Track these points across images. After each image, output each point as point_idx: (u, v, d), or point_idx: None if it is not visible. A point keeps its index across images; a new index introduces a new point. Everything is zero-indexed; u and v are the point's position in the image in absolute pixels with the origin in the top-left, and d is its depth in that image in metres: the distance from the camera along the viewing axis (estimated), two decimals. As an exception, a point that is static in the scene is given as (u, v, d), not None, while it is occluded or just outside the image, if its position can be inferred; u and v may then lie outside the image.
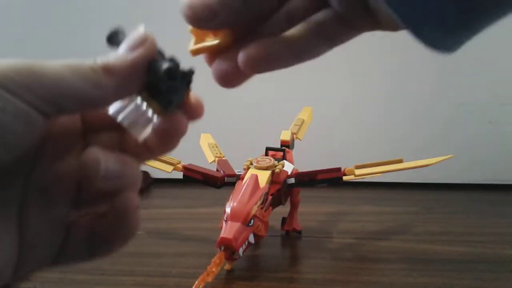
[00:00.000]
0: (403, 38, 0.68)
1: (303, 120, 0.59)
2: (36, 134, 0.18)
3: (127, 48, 0.19)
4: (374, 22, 0.20)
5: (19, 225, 0.18)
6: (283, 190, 0.48)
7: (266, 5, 0.20)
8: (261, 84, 0.78)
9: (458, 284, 0.41)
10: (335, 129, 0.75)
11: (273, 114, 0.74)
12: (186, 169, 0.49)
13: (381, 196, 0.71)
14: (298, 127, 0.57)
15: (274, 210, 0.47)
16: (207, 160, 0.54)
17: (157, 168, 0.50)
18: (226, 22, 0.20)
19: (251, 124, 0.76)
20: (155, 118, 0.19)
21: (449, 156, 0.46)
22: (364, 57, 0.72)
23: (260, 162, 0.47)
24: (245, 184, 0.44)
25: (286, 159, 0.51)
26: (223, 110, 0.77)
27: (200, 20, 0.19)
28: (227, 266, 0.44)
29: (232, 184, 0.47)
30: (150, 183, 0.79)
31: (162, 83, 0.19)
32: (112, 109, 0.19)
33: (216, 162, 0.52)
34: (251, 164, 0.48)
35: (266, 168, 0.47)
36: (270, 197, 0.45)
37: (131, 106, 0.19)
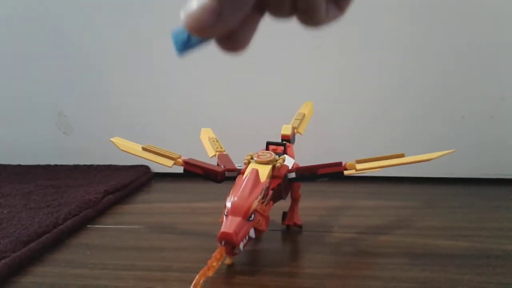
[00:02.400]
0: (406, 33, 0.67)
1: (304, 115, 0.59)
2: None
3: None
4: None
5: None
6: (283, 185, 0.48)
7: None
8: (261, 79, 0.78)
9: (459, 278, 0.41)
10: (336, 124, 0.75)
11: (274, 108, 0.74)
12: (186, 163, 0.49)
13: (382, 190, 0.71)
14: (299, 121, 0.57)
15: (274, 204, 0.47)
16: (208, 155, 0.53)
17: (158, 162, 0.50)
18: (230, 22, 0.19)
19: (252, 119, 0.76)
20: None
21: (451, 150, 0.45)
22: (367, 52, 0.72)
23: (260, 157, 0.47)
24: (246, 179, 0.44)
25: (287, 154, 0.51)
26: (224, 104, 0.77)
27: (204, 28, 0.19)
28: (228, 261, 0.44)
29: (233, 179, 0.47)
30: (151, 178, 0.79)
31: None
32: None
33: (216, 156, 0.52)
34: (252, 158, 0.48)
35: (266, 163, 0.47)
36: (270, 192, 0.45)
37: None
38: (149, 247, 0.49)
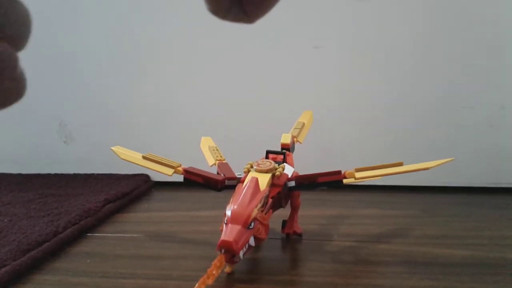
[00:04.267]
0: (406, 41, 0.68)
1: (304, 124, 0.59)
2: None
3: None
4: None
5: None
6: (283, 193, 0.48)
7: None
8: (261, 87, 0.78)
9: (459, 287, 0.41)
10: (336, 133, 0.75)
11: (274, 117, 0.74)
12: (186, 172, 0.50)
13: (381, 199, 0.71)
14: (298, 130, 0.57)
15: (274, 213, 0.47)
16: (208, 163, 0.54)
17: (158, 171, 0.50)
18: None
19: (252, 127, 0.76)
20: None
21: (449, 159, 0.46)
22: (366, 61, 0.73)
23: (260, 165, 0.48)
24: (246, 187, 0.44)
25: (286, 162, 0.51)
26: (224, 113, 0.77)
27: None
28: (228, 269, 0.44)
29: (233, 187, 0.47)
30: (151, 186, 0.79)
31: None
32: None
33: (216, 165, 0.53)
34: (252, 167, 0.48)
35: (266, 171, 0.47)
36: (270, 200, 0.45)
37: None
38: (149, 256, 0.49)
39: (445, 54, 0.71)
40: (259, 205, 0.43)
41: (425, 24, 0.71)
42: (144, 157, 0.51)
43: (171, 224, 0.60)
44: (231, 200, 0.43)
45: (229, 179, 0.49)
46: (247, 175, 0.47)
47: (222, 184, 0.49)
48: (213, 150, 0.56)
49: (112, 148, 0.53)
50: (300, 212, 0.54)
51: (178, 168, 0.50)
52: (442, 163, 0.45)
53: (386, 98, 0.73)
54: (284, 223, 0.54)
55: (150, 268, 0.46)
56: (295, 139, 0.56)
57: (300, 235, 0.54)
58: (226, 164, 0.52)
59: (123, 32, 0.78)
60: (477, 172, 0.74)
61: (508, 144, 0.72)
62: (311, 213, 0.62)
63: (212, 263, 0.40)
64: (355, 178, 0.45)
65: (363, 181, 0.48)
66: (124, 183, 0.75)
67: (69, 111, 0.83)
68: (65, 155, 0.84)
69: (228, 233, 0.40)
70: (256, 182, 0.45)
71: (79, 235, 0.56)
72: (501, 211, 0.63)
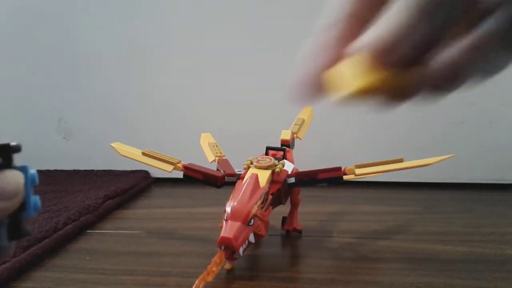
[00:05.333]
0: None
1: (304, 120, 0.59)
2: None
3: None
4: None
5: None
6: (283, 190, 0.48)
7: None
8: (261, 84, 0.78)
9: (459, 284, 0.41)
10: (336, 129, 0.75)
11: (274, 113, 0.74)
12: (186, 168, 0.49)
13: (381, 195, 0.71)
14: (298, 126, 0.57)
15: (274, 209, 0.47)
16: (208, 160, 0.54)
17: (157, 167, 0.50)
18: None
19: (251, 124, 0.76)
20: None
21: (450, 155, 0.45)
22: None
23: (260, 162, 0.47)
24: (246, 184, 0.44)
25: (286, 159, 0.51)
26: (224, 109, 0.77)
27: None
28: (227, 266, 0.44)
29: (233, 184, 0.47)
30: (151, 183, 0.79)
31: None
32: None
33: (216, 161, 0.52)
34: (252, 163, 0.48)
35: (266, 168, 0.47)
36: (270, 197, 0.45)
37: None
38: (149, 252, 0.49)
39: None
40: (259, 202, 0.42)
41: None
42: (143, 154, 0.51)
43: (171, 221, 0.60)
44: (231, 196, 0.43)
45: (229, 175, 0.49)
46: (247, 172, 0.46)
47: (222, 181, 0.49)
48: (213, 146, 0.56)
49: (112, 144, 0.53)
50: (300, 209, 0.54)
51: (177, 164, 0.50)
52: (442, 159, 0.45)
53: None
54: (284, 219, 0.54)
55: (150, 265, 0.46)
56: (295, 135, 0.56)
57: (300, 231, 0.54)
58: (226, 160, 0.52)
59: (123, 30, 0.78)
60: (477, 168, 0.73)
61: (507, 140, 0.72)
62: (311, 209, 0.62)
63: (212, 260, 0.40)
64: (355, 175, 0.45)
65: (363, 178, 0.48)
66: (124, 180, 0.75)
67: (69, 107, 0.83)
68: (64, 151, 0.84)
69: (228, 229, 0.40)
70: (256, 178, 0.45)
71: (79, 232, 0.55)
72: (501, 207, 0.63)
